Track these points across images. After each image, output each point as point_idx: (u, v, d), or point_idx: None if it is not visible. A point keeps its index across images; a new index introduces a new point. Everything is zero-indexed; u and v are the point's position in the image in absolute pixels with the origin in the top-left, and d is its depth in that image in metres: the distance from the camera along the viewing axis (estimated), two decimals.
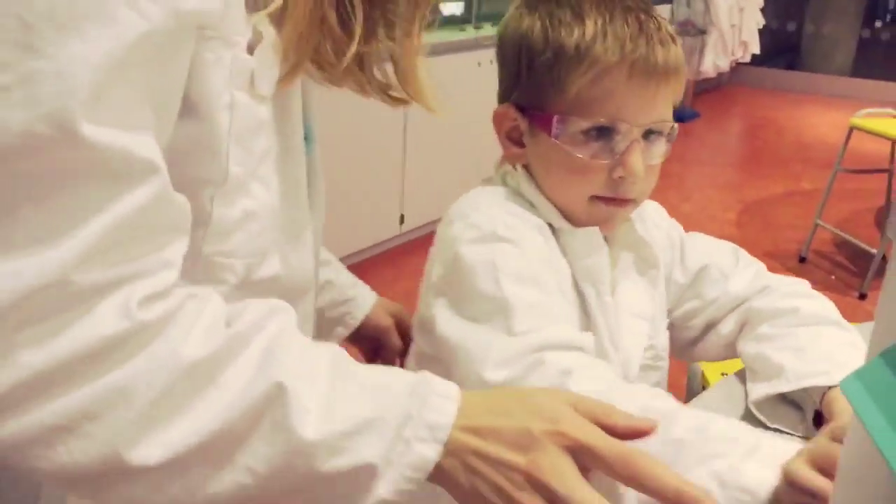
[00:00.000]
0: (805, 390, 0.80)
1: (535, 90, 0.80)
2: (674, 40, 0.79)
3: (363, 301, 0.96)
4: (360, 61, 0.65)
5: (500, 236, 0.76)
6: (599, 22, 0.76)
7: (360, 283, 0.98)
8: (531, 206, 0.83)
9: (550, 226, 0.83)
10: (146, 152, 0.46)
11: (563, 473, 0.49)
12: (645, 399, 0.67)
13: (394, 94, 0.66)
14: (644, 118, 0.78)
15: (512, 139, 0.84)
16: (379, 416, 0.50)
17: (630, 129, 0.77)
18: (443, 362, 0.76)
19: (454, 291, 0.77)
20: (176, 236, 0.49)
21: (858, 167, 3.70)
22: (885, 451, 0.34)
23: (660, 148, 0.82)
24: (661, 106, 0.79)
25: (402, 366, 0.97)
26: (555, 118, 0.78)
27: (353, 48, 0.58)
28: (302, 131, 0.65)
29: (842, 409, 0.75)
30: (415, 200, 3.20)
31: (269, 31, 0.54)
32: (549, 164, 0.82)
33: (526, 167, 0.85)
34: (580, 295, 0.83)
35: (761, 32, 6.28)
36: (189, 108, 0.51)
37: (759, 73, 7.15)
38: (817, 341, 0.84)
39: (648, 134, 0.80)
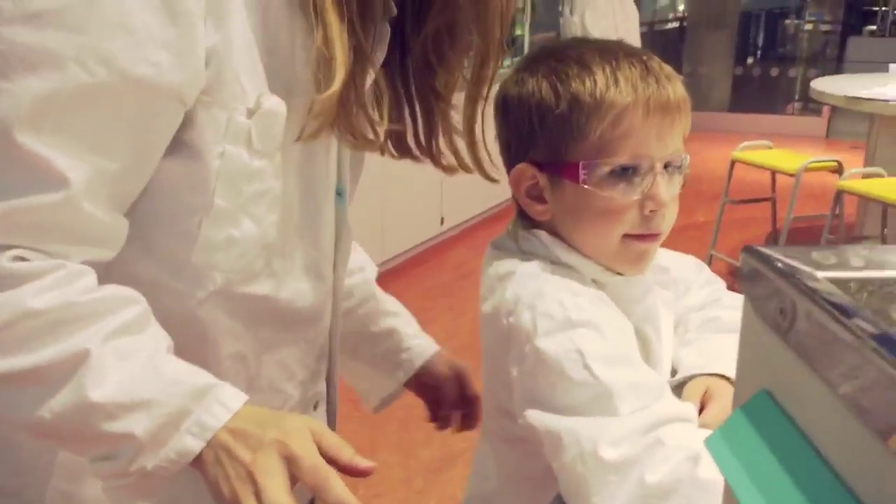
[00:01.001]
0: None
1: (552, 143, 0.81)
2: (676, 77, 0.83)
3: (422, 350, 1.06)
4: (428, 138, 0.83)
5: (574, 321, 0.75)
6: (607, 69, 0.79)
7: (424, 335, 1.08)
8: (571, 270, 0.83)
9: (594, 281, 0.83)
10: (66, 170, 0.58)
11: (269, 472, 0.59)
12: None
13: (445, 162, 0.83)
14: (663, 151, 0.80)
15: (531, 196, 0.85)
16: (158, 401, 0.61)
17: (653, 164, 0.80)
18: (536, 443, 0.75)
19: (542, 386, 0.75)
20: (73, 242, 0.62)
21: (744, 197, 3.88)
22: None
23: (677, 180, 0.84)
24: (675, 139, 0.82)
25: (457, 418, 1.07)
26: (581, 164, 0.79)
27: (384, 127, 0.74)
28: (333, 188, 0.79)
29: (685, 398, 0.81)
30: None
31: (270, 102, 0.67)
32: (578, 213, 0.82)
33: (547, 229, 0.85)
34: (642, 338, 0.83)
35: None
36: (188, 150, 0.65)
37: None
38: (726, 345, 0.87)
39: (666, 167, 0.82)
